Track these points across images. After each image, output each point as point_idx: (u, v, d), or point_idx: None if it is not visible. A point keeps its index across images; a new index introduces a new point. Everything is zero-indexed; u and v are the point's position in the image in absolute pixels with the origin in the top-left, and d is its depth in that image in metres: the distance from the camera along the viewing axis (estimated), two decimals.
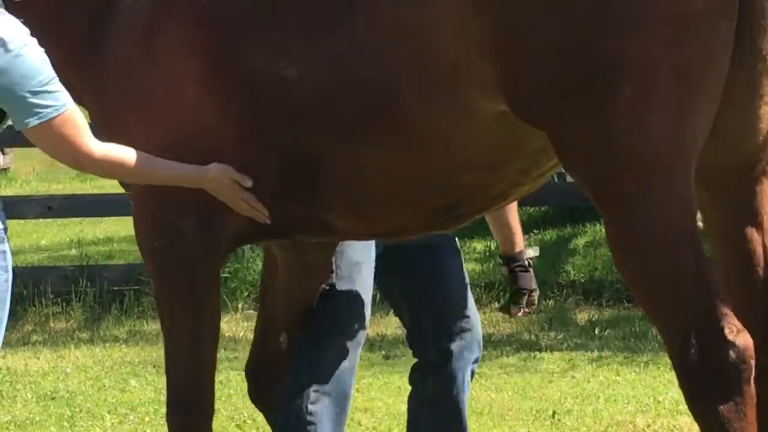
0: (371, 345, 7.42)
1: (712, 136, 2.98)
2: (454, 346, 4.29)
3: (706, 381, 2.88)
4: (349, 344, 4.16)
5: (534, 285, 4.50)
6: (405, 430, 4.55)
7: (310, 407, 4.07)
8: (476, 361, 4.37)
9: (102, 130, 3.62)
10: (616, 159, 2.90)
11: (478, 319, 4.41)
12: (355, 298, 4.17)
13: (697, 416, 2.94)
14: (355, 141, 3.30)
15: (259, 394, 4.25)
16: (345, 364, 4.14)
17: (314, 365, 4.11)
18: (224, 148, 3.41)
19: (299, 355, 4.13)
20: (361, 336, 4.23)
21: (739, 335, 2.88)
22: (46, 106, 3.16)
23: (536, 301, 4.54)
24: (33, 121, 3.18)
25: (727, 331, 2.87)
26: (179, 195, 3.46)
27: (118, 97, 3.57)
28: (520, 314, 4.52)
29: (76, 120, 3.24)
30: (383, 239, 4.13)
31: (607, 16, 2.86)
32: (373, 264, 4.25)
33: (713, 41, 2.88)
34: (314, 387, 4.08)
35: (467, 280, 4.48)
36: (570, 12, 2.88)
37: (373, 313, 4.61)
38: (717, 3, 2.87)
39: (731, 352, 2.86)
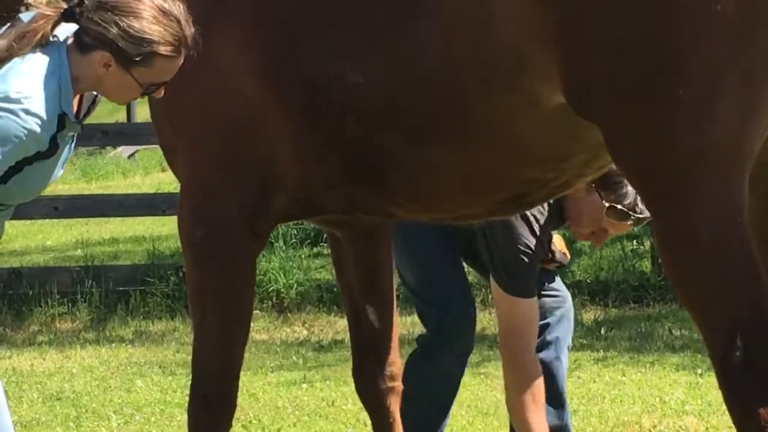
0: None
1: None
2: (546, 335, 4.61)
3: (748, 383, 2.83)
4: None
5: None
6: None
7: None
8: (569, 347, 4.73)
9: (164, 113, 3.62)
10: (674, 159, 2.87)
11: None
12: None
13: (736, 419, 2.89)
14: (419, 138, 3.30)
15: (364, 389, 4.11)
16: None
17: None
18: (283, 143, 3.43)
19: None
20: None
21: None
22: None
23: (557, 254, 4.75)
24: None
25: None
26: (224, 184, 3.49)
27: (178, 85, 3.56)
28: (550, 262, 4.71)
29: None
30: (445, 222, 4.28)
31: (672, 16, 2.83)
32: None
33: None
34: None
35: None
36: (634, 8, 2.86)
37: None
38: None
39: None
